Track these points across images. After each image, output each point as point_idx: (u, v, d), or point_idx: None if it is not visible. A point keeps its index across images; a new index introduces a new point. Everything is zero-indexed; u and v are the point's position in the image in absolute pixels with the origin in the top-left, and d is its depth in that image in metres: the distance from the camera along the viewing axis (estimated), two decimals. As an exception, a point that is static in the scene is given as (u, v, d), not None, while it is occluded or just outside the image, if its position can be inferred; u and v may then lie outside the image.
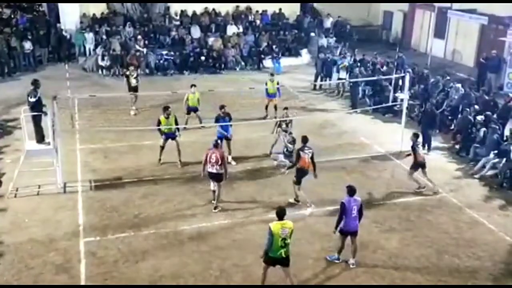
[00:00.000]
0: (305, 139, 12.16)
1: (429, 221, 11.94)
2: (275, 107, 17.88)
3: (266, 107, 18.12)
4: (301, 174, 12.11)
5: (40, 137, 13.41)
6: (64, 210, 12.01)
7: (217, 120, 14.36)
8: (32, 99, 13.07)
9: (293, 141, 14.07)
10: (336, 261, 10.23)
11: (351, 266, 10.14)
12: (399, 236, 11.31)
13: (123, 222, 11.59)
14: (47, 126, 13.11)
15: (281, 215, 8.93)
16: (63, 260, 10.19)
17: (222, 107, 14.43)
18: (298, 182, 12.19)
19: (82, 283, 9.61)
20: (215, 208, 12.04)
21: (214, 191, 12.04)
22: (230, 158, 14.41)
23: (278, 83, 18.26)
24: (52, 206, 12.15)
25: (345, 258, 10.25)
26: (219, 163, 11.61)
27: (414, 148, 13.28)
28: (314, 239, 11.04)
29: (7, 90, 20.72)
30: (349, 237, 10.06)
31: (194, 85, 16.72)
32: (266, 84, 18.17)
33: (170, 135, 14.21)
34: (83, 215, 11.83)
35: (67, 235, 11.02)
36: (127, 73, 18.77)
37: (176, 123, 14.29)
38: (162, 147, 14.27)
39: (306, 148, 12.03)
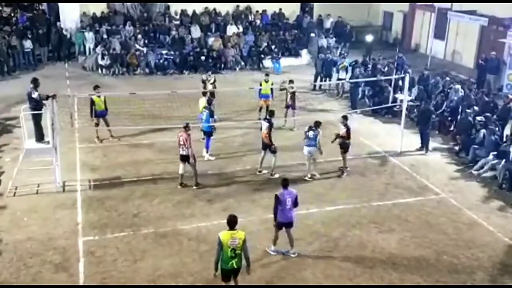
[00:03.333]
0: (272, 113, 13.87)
1: (428, 222, 11.94)
2: (267, 108, 17.25)
3: (260, 109, 17.69)
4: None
5: (39, 136, 13.41)
6: (63, 209, 12.01)
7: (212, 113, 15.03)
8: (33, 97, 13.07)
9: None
10: (272, 253, 10.35)
11: (292, 255, 10.28)
12: (398, 236, 11.31)
13: (122, 221, 11.59)
14: (46, 125, 13.12)
15: (231, 224, 8.37)
16: (62, 259, 10.19)
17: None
18: (263, 148, 13.63)
19: (81, 282, 9.61)
20: (196, 185, 13.04)
21: (182, 175, 12.87)
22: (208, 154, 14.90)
23: (273, 84, 18.02)
24: (51, 205, 12.15)
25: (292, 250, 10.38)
26: (186, 144, 12.58)
27: (348, 128, 13.85)
28: (313, 239, 11.05)
29: (6, 89, 20.74)
30: (284, 229, 10.22)
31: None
32: (260, 84, 17.87)
33: (102, 113, 15.65)
34: (82, 214, 11.83)
35: (66, 234, 11.03)
36: (204, 78, 18.42)
37: (105, 103, 15.74)
38: (97, 124, 15.61)
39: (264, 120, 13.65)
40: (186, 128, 12.73)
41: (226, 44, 26.13)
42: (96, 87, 15.85)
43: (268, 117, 13.67)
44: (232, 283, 8.88)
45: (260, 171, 13.86)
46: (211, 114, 14.96)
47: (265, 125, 13.45)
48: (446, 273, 10.12)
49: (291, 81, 17.64)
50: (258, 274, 9.75)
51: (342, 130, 13.84)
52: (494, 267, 10.34)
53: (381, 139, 16.71)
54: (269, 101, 17.75)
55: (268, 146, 13.55)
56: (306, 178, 13.67)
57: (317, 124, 13.53)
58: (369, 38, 25.52)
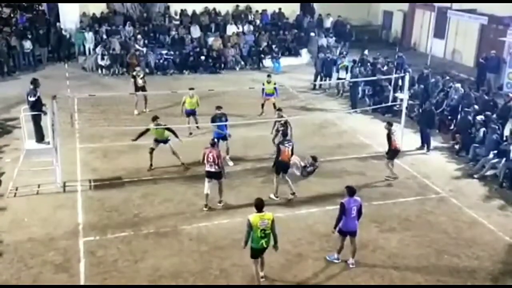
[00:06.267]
0: (285, 134, 12.98)
1: (429, 221, 11.94)
2: (274, 106, 17.79)
3: (262, 105, 18.33)
4: (281, 166, 12.63)
5: (39, 137, 13.42)
6: (64, 210, 12.02)
7: (213, 120, 14.51)
8: (32, 99, 13.09)
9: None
10: (336, 261, 10.24)
11: (350, 266, 10.15)
12: (399, 236, 11.31)
13: (123, 222, 11.59)
14: (46, 126, 13.13)
15: (259, 207, 9.12)
16: (62, 259, 10.20)
17: (218, 107, 14.60)
18: (277, 173, 12.68)
19: (82, 282, 9.62)
20: (219, 202, 12.31)
21: (207, 194, 12.13)
22: (228, 158, 14.43)
23: (275, 83, 18.57)
24: (51, 205, 12.16)
25: (345, 258, 10.26)
26: (216, 162, 11.86)
27: (389, 136, 13.62)
28: (314, 239, 11.05)
29: (6, 90, 20.73)
30: (348, 237, 10.07)
31: (192, 88, 16.60)
32: (263, 84, 18.52)
33: (161, 140, 13.97)
34: (83, 215, 11.83)
35: (66, 234, 11.03)
36: (134, 73, 18.84)
37: (170, 130, 13.94)
38: (152, 149, 13.94)
39: (286, 142, 12.62)
40: (214, 145, 12.11)
41: (226, 44, 26.14)
42: (155, 118, 13.79)
43: (286, 139, 12.74)
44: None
45: (277, 196, 12.73)
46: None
47: (289, 147, 12.49)
48: (447, 272, 10.12)
49: (279, 109, 15.31)
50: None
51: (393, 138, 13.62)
52: (495, 266, 10.34)
53: (381, 139, 16.53)
54: (273, 99, 18.34)
55: (288, 166, 12.75)
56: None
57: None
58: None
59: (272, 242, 9.30)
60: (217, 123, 14.39)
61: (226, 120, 14.53)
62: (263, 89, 18.44)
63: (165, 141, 14.02)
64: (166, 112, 17.89)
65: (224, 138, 14.45)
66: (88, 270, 9.89)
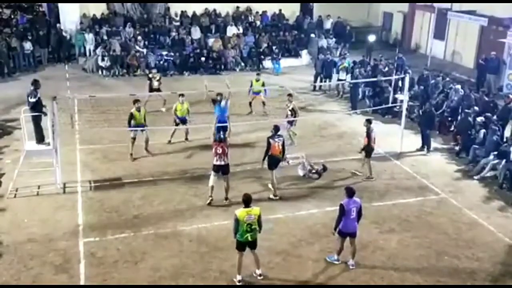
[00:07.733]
0: (276, 129, 12.94)
1: (429, 222, 11.94)
2: (263, 104, 18.68)
3: (250, 104, 18.72)
4: (272, 160, 12.76)
5: (40, 138, 13.44)
6: (64, 210, 12.02)
7: (214, 102, 15.11)
8: (32, 100, 13.11)
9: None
10: (336, 262, 10.24)
11: (350, 267, 10.14)
12: (399, 237, 11.31)
13: (123, 223, 11.59)
14: (47, 127, 13.15)
15: (247, 202, 9.41)
16: (62, 260, 10.20)
17: (218, 94, 15.23)
18: (270, 168, 12.83)
19: (82, 283, 9.62)
20: (225, 199, 12.41)
21: (213, 187, 12.28)
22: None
23: (264, 82, 19.04)
24: (51, 206, 12.16)
25: (345, 259, 10.26)
26: (226, 152, 12.11)
27: (368, 133, 13.67)
28: (314, 240, 11.05)
29: (7, 90, 20.73)
30: (348, 238, 10.07)
31: (182, 95, 16.02)
32: (251, 83, 18.93)
33: (140, 127, 14.64)
34: (83, 216, 11.84)
35: (66, 235, 11.03)
36: (150, 76, 19.09)
37: (144, 117, 14.80)
38: (134, 139, 14.67)
39: (276, 137, 12.76)
40: (221, 140, 12.21)
41: (226, 45, 26.16)
42: (136, 101, 14.71)
43: (277, 134, 12.83)
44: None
45: (276, 196, 12.83)
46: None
47: (279, 142, 12.67)
48: (447, 273, 10.12)
49: (289, 95, 16.27)
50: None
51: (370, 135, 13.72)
52: (495, 267, 10.34)
53: (381, 140, 16.64)
54: (261, 97, 18.77)
55: (279, 161, 12.89)
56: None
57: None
58: (371, 38, 25.49)
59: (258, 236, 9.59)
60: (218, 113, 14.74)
61: (226, 104, 14.87)
62: (250, 89, 18.78)
63: (143, 127, 14.64)
64: (166, 113, 17.91)
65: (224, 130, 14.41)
66: (88, 271, 9.89)
